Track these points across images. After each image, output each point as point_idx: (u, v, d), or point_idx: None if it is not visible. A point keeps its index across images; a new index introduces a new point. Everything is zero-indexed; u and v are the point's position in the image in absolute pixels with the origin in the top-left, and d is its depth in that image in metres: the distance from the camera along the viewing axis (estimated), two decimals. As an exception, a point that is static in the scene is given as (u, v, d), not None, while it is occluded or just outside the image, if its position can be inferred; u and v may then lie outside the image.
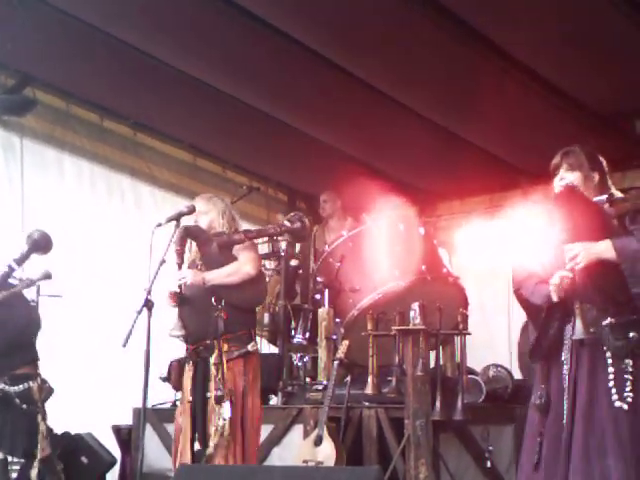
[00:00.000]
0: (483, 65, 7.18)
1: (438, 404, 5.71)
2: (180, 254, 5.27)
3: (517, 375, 7.18)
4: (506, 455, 6.42)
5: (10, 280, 6.43)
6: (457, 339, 6.08)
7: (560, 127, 8.05)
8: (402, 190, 8.66)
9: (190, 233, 5.42)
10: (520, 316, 8.74)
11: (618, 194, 4.27)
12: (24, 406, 6.47)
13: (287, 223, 5.82)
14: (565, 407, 4.06)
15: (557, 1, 6.30)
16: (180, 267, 5.31)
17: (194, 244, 5.58)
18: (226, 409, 5.22)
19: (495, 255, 9.28)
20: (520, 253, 4.51)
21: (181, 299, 5.38)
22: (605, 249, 3.99)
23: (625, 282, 3.94)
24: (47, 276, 6.48)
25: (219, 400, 5.22)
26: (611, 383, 3.96)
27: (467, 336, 5.98)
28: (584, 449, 3.94)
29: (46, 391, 6.54)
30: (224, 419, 5.22)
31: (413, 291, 6.52)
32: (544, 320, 4.18)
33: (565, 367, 4.12)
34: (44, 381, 6.57)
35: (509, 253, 8.90)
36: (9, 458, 6.40)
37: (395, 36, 6.78)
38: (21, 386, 6.49)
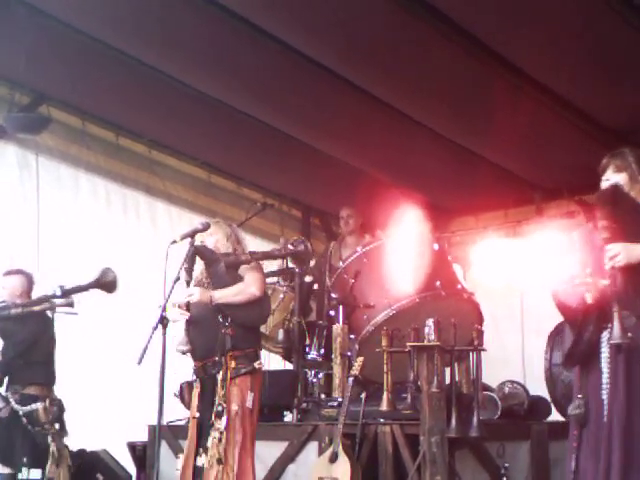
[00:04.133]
0: (497, 82, 7.19)
1: (454, 421, 5.68)
2: (189, 272, 5.34)
3: (532, 391, 7.15)
4: (522, 472, 6.39)
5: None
6: (472, 355, 6.05)
7: (574, 143, 8.05)
8: (416, 206, 8.66)
9: (199, 252, 5.50)
10: (534, 332, 8.83)
11: None
12: (29, 427, 6.62)
13: (290, 246, 5.93)
14: (605, 419, 4.00)
15: (570, 18, 6.30)
16: (188, 284, 5.40)
17: (201, 263, 5.63)
18: (222, 422, 5.28)
19: (509, 271, 9.31)
20: (562, 256, 4.40)
21: (189, 317, 5.44)
22: None
23: None
24: (69, 304, 6.63)
25: (219, 415, 5.29)
26: None
27: (482, 352, 5.96)
28: (622, 463, 3.88)
29: (53, 413, 6.66)
30: (220, 433, 5.27)
31: (427, 307, 6.52)
32: (580, 323, 4.09)
33: (604, 376, 4.04)
34: (54, 403, 6.70)
35: (523, 269, 8.88)
36: (19, 475, 6.55)
37: (410, 54, 6.81)
38: (28, 407, 6.66)
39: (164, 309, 4.89)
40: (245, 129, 8.33)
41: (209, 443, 5.29)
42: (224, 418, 5.29)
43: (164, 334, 4.81)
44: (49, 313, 6.86)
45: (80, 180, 8.54)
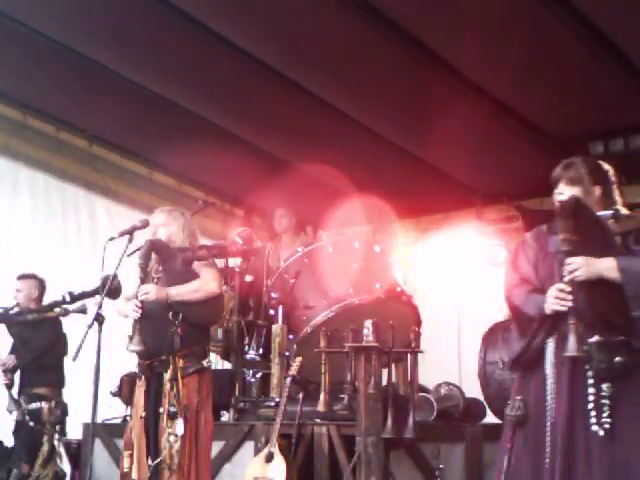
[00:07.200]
0: (436, 84, 7.24)
1: (389, 422, 5.69)
2: (144, 269, 5.23)
3: (468, 393, 7.21)
4: (456, 473, 6.43)
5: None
6: (409, 357, 6.08)
7: (513, 148, 8.14)
8: (358, 208, 8.69)
9: (155, 247, 5.35)
10: (470, 334, 8.90)
11: (623, 210, 4.14)
12: (31, 424, 6.69)
13: (238, 239, 5.85)
14: (548, 423, 4.02)
15: (512, 23, 6.36)
16: (143, 282, 5.26)
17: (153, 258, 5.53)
18: (179, 426, 5.18)
19: (447, 273, 9.40)
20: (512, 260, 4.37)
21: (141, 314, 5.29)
22: (608, 267, 3.89)
23: (626, 304, 3.85)
24: (82, 310, 6.62)
25: (172, 416, 5.18)
26: (590, 405, 3.88)
27: (419, 354, 5.99)
28: (564, 471, 3.87)
29: (55, 414, 6.75)
30: (176, 436, 5.17)
31: (367, 309, 6.52)
32: (534, 332, 4.08)
33: (549, 381, 4.03)
34: (59, 405, 6.79)
35: (461, 272, 8.96)
36: (14, 470, 6.63)
37: (350, 55, 6.84)
38: (33, 405, 6.74)
39: (100, 306, 4.84)
40: (187, 126, 8.29)
41: (163, 446, 5.18)
42: (180, 421, 5.18)
43: (100, 331, 4.77)
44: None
45: (19, 174, 8.43)
